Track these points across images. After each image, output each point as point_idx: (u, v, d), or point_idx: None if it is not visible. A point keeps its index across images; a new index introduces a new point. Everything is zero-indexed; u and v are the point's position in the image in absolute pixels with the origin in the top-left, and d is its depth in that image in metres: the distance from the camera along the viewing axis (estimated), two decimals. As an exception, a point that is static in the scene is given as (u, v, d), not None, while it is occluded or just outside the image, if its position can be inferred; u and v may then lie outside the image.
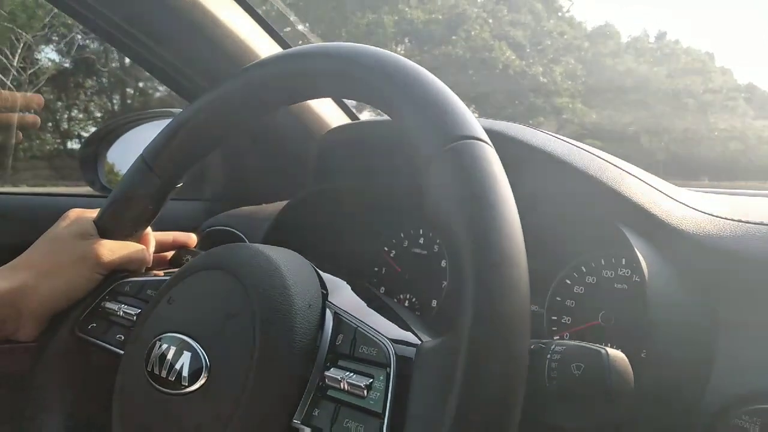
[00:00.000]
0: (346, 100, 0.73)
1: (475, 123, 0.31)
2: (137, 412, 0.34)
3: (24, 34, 8.24)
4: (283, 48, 0.73)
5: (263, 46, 0.70)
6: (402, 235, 0.69)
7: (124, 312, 0.41)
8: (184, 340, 0.33)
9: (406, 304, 0.69)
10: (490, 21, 12.76)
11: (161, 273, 0.45)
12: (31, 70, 8.42)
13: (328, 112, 0.70)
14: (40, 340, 0.44)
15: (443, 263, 0.64)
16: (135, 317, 0.41)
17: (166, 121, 0.61)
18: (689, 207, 0.45)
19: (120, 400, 0.35)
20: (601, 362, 0.31)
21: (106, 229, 0.46)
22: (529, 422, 0.34)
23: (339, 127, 0.64)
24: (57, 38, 9.05)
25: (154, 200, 0.46)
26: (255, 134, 0.76)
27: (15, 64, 7.93)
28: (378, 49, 0.35)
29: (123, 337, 0.40)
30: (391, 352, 0.30)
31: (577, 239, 0.50)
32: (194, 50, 0.63)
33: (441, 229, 0.28)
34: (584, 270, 0.49)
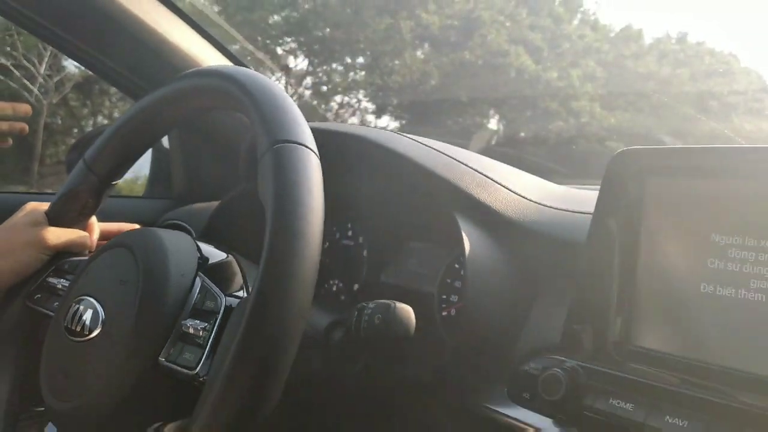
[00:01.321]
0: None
1: (301, 129, 0.43)
2: (56, 356, 0.48)
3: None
4: (226, 56, 0.85)
5: (206, 57, 0.82)
6: (334, 228, 0.81)
7: (62, 285, 0.55)
8: (90, 301, 0.47)
9: (334, 288, 0.80)
10: (508, 25, 12.73)
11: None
12: (58, 78, 8.81)
13: None
14: None
15: (365, 253, 0.75)
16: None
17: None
18: (519, 195, 0.56)
19: (46, 350, 0.49)
20: (389, 312, 0.43)
21: (54, 218, 0.60)
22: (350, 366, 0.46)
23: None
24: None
25: (93, 195, 0.60)
26: (206, 135, 0.88)
27: (42, 71, 8.35)
28: (249, 71, 0.48)
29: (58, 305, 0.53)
30: (222, 304, 0.42)
31: (423, 230, 0.61)
32: (134, 59, 0.76)
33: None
34: (435, 261, 0.60)
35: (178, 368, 0.42)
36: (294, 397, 0.47)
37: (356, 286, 0.75)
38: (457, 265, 0.63)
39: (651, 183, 0.43)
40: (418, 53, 12.73)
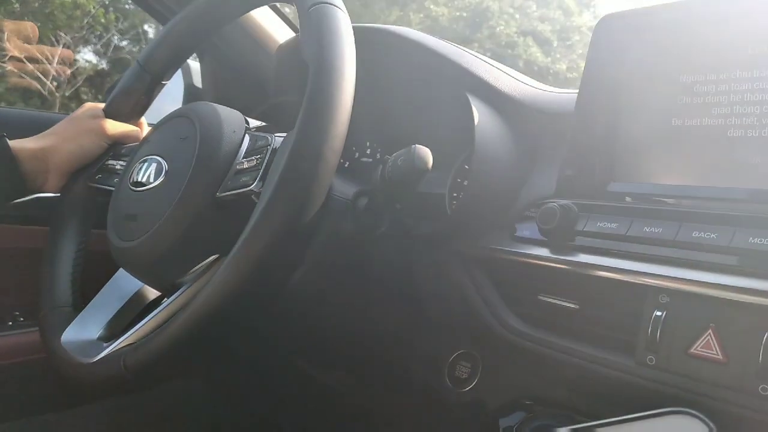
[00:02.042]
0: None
1: None
2: (122, 206, 0.57)
3: (63, 35, 8.78)
4: None
5: None
6: (353, 147, 0.90)
7: (120, 166, 0.64)
8: (154, 158, 0.56)
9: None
10: (517, 17, 12.74)
11: None
12: (70, 71, 8.97)
13: (275, 28, 0.90)
14: (62, 192, 0.67)
15: (387, 156, 0.83)
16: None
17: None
18: (519, 81, 0.65)
19: (112, 204, 0.58)
20: (409, 152, 0.52)
21: (110, 114, 0.70)
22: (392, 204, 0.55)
23: (287, 42, 0.86)
24: (95, 39, 9.55)
25: (145, 93, 0.70)
26: (236, 72, 0.97)
27: (54, 64, 8.52)
28: None
29: (118, 180, 0.62)
30: (271, 140, 0.51)
31: (440, 107, 0.70)
32: None
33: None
34: (451, 132, 0.69)
35: (236, 190, 0.51)
36: (330, 258, 0.56)
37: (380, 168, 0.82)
38: (466, 166, 0.72)
39: (628, 40, 0.52)
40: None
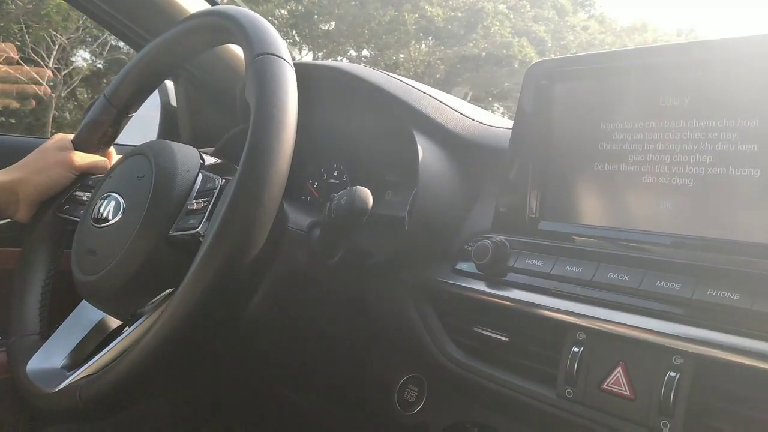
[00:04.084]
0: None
1: (279, 45, 0.54)
2: (84, 241, 0.60)
3: (59, 36, 8.80)
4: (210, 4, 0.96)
5: (190, 4, 0.93)
6: (322, 170, 0.93)
7: (87, 197, 0.67)
8: (113, 196, 0.58)
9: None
10: (512, 16, 12.77)
11: None
12: (66, 71, 8.99)
13: None
14: (32, 221, 0.70)
15: (333, 194, 0.86)
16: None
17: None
18: (465, 116, 0.67)
19: (76, 238, 0.61)
20: (350, 192, 0.55)
21: (79, 145, 0.72)
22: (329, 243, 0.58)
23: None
24: (90, 39, 9.55)
25: (112, 125, 0.72)
26: (209, 92, 1.00)
27: (50, 65, 8.56)
28: (236, 7, 0.60)
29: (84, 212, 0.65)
30: (218, 182, 0.54)
31: (387, 144, 0.72)
32: (134, 8, 0.88)
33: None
34: (396, 167, 0.71)
35: (185, 231, 0.54)
36: (285, 287, 0.58)
37: (328, 204, 0.85)
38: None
39: (556, 86, 0.55)
40: (423, 46, 12.83)
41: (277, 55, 0.53)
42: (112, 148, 0.75)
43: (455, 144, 0.65)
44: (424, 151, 0.63)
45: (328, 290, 0.65)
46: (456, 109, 0.68)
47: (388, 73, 0.72)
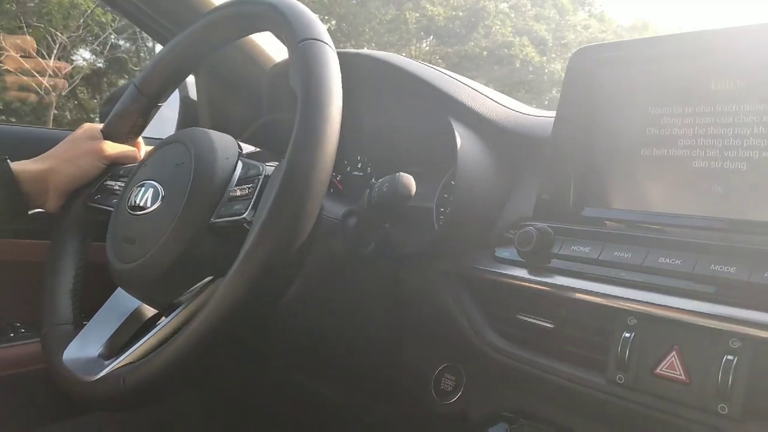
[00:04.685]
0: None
1: (321, 29, 0.54)
2: (120, 229, 0.59)
3: (59, 34, 8.77)
4: None
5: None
6: (345, 162, 0.93)
7: (118, 186, 0.66)
8: (150, 183, 0.58)
9: None
10: (512, 16, 12.77)
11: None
12: (67, 70, 8.95)
13: (269, 45, 0.93)
14: (62, 211, 0.69)
15: (373, 180, 0.86)
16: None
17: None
18: (501, 104, 0.67)
19: (111, 226, 0.60)
20: (394, 179, 0.55)
21: (108, 135, 0.72)
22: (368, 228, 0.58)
23: (280, 63, 0.88)
24: (91, 38, 9.53)
25: (142, 115, 0.72)
26: (229, 84, 1.00)
27: (51, 63, 8.54)
28: None
29: (116, 201, 0.65)
30: (262, 169, 0.53)
31: (424, 132, 0.72)
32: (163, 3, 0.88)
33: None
34: (435, 156, 0.71)
35: (229, 218, 0.53)
36: (320, 275, 0.58)
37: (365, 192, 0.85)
38: (452, 182, 0.74)
39: (601, 72, 0.54)
40: (424, 44, 12.83)
41: (320, 40, 0.53)
42: (140, 139, 0.75)
43: (492, 132, 0.65)
44: (462, 139, 0.63)
45: (362, 279, 0.64)
46: (492, 98, 0.68)
47: (423, 62, 0.72)
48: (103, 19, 9.09)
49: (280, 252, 0.47)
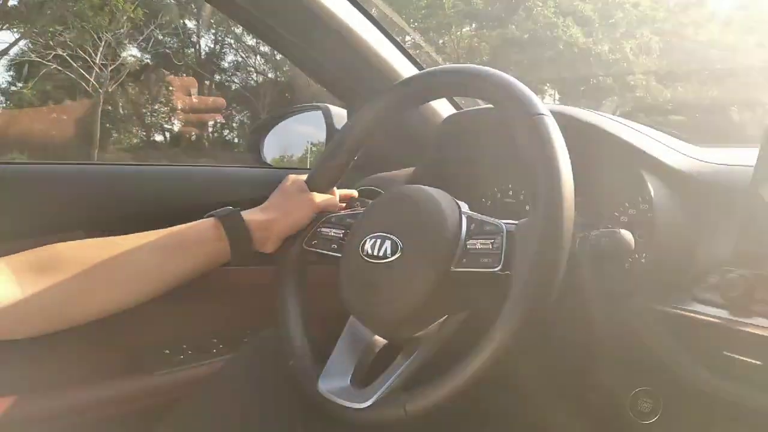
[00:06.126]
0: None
1: (543, 105, 0.65)
2: (360, 275, 0.71)
3: (105, 33, 9.11)
4: (414, 65, 1.08)
5: (399, 65, 1.05)
6: (495, 189, 1.03)
7: (334, 233, 0.79)
8: (384, 235, 0.69)
9: None
10: (557, -4, 12.54)
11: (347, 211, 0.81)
12: (113, 66, 9.32)
13: (440, 106, 1.06)
14: (278, 253, 0.83)
15: (527, 207, 0.95)
16: (342, 234, 0.78)
17: (310, 113, 1.04)
18: (686, 156, 0.77)
19: (347, 272, 0.72)
20: (615, 235, 0.65)
21: (312, 186, 0.84)
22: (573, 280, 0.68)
23: (453, 115, 1.00)
24: (138, 35, 9.85)
25: (341, 168, 0.85)
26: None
27: (97, 61, 8.90)
28: (480, 67, 0.70)
29: (336, 246, 0.77)
30: (503, 227, 0.64)
31: (616, 183, 0.82)
32: (347, 63, 0.99)
33: (527, 171, 0.62)
34: (627, 205, 0.81)
35: (476, 269, 0.63)
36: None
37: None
38: (616, 213, 0.83)
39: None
40: (465, 29, 12.77)
41: (549, 116, 0.64)
42: (335, 188, 0.87)
43: (680, 182, 0.75)
44: (655, 192, 0.73)
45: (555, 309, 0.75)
46: (678, 150, 0.78)
47: (608, 116, 0.82)
48: (132, 15, 9.39)
49: (540, 303, 0.59)
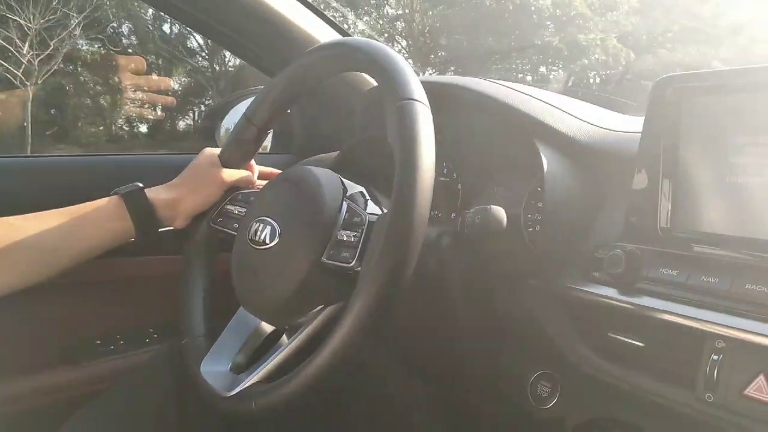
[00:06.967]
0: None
1: (417, 88, 0.60)
2: (244, 259, 0.67)
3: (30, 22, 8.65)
4: (340, 33, 1.04)
5: (317, 31, 1.01)
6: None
7: (238, 211, 0.75)
8: (267, 220, 0.65)
9: (436, 216, 0.96)
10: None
11: (254, 189, 0.78)
12: (40, 57, 8.81)
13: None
14: (187, 228, 0.80)
15: (459, 186, 0.91)
16: (244, 213, 0.74)
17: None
18: (585, 122, 0.73)
19: (236, 255, 0.69)
20: (486, 212, 0.62)
21: (225, 161, 0.81)
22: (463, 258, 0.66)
23: (373, 88, 0.96)
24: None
25: (253, 142, 0.81)
26: (322, 99, 1.08)
27: (24, 51, 8.48)
28: (373, 41, 0.66)
29: (237, 225, 0.74)
30: (366, 219, 0.61)
31: (510, 155, 0.78)
32: (267, 37, 0.98)
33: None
34: (521, 178, 0.77)
35: (339, 264, 0.61)
36: (416, 295, 0.66)
37: (453, 215, 0.92)
38: (539, 189, 0.80)
39: (685, 101, 0.59)
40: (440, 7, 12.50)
41: (419, 101, 0.59)
42: (253, 162, 0.84)
43: (578, 152, 0.71)
44: (549, 163, 0.69)
45: (457, 292, 0.72)
46: (575, 116, 0.74)
47: (507, 84, 0.78)
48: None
49: (387, 299, 0.55)
